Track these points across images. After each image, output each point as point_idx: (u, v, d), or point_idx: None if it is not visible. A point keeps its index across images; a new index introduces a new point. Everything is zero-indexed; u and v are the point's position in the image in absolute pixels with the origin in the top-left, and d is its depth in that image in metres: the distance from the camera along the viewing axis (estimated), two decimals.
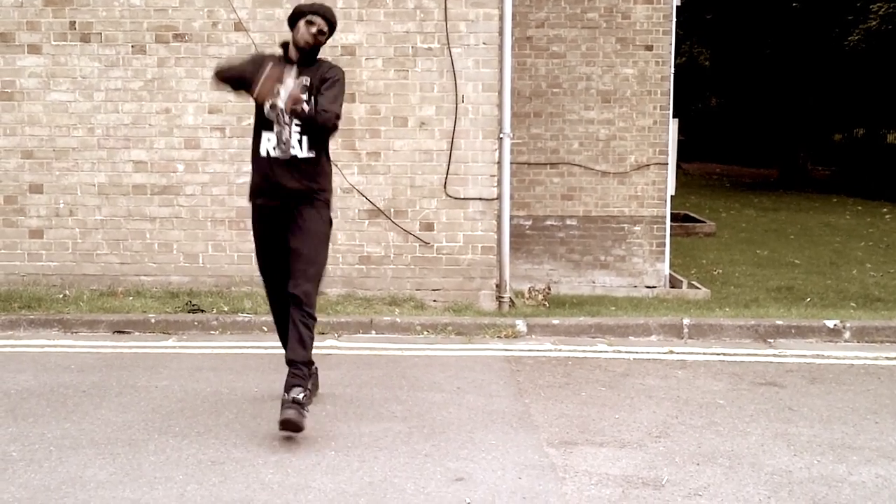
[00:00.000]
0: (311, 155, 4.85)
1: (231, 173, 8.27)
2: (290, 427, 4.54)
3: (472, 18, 8.18)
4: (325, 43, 5.00)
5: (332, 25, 4.99)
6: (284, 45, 5.00)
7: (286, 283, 4.87)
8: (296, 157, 4.81)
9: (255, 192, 5.00)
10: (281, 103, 4.65)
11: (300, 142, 4.81)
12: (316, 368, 5.20)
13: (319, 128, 4.79)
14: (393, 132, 8.27)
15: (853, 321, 7.33)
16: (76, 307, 7.66)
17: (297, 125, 4.78)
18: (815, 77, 26.19)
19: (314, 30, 4.88)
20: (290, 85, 4.64)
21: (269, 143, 4.84)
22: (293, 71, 4.79)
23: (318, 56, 5.00)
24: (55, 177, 8.33)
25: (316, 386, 5.26)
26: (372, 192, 8.28)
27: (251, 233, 7.62)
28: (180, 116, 8.28)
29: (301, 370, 4.74)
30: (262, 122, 4.86)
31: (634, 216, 11.58)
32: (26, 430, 4.74)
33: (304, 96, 4.72)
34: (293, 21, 4.95)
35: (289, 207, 4.87)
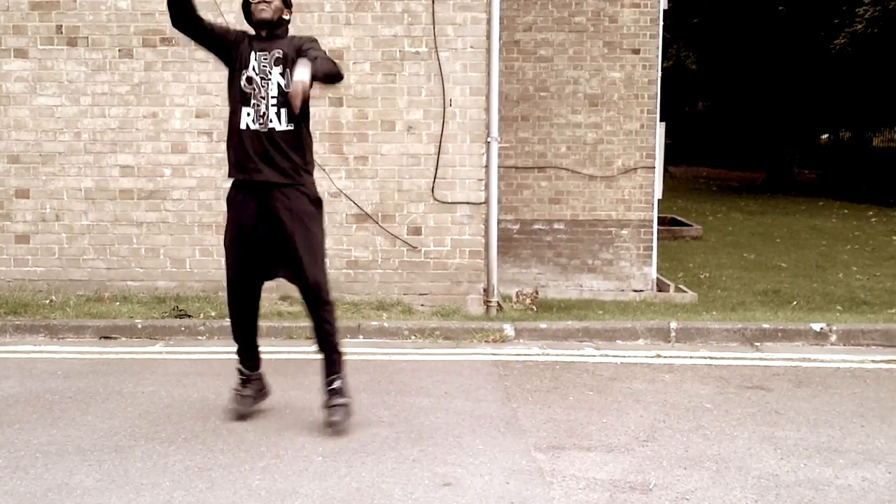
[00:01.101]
0: (290, 127, 4.78)
1: (218, 178, 8.25)
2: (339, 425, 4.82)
3: (459, 22, 8.18)
4: (286, 16, 4.92)
5: None
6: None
7: (260, 273, 4.90)
8: (274, 129, 4.75)
9: (236, 167, 4.88)
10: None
11: (278, 115, 4.76)
12: (262, 374, 5.19)
13: (327, 76, 4.69)
14: (380, 136, 8.27)
15: (839, 324, 7.35)
16: (62, 313, 7.63)
17: (273, 97, 4.74)
18: (802, 81, 26.31)
19: (262, 5, 4.79)
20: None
21: (248, 117, 4.78)
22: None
23: (290, 33, 4.97)
24: (41, 181, 8.30)
25: (263, 392, 5.21)
26: (359, 197, 8.27)
27: None
28: (167, 121, 8.26)
29: (334, 359, 4.89)
30: (240, 97, 4.79)
31: (622, 220, 11.60)
32: (12, 437, 4.72)
33: (278, 69, 4.75)
34: (246, 7, 4.90)
35: (270, 187, 4.78)
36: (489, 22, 8.24)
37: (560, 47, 11.46)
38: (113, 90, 8.24)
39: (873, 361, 6.63)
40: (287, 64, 4.76)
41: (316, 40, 4.91)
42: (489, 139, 8.30)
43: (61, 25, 8.19)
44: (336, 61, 4.83)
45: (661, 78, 11.57)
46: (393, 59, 8.23)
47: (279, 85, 4.75)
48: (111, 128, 8.26)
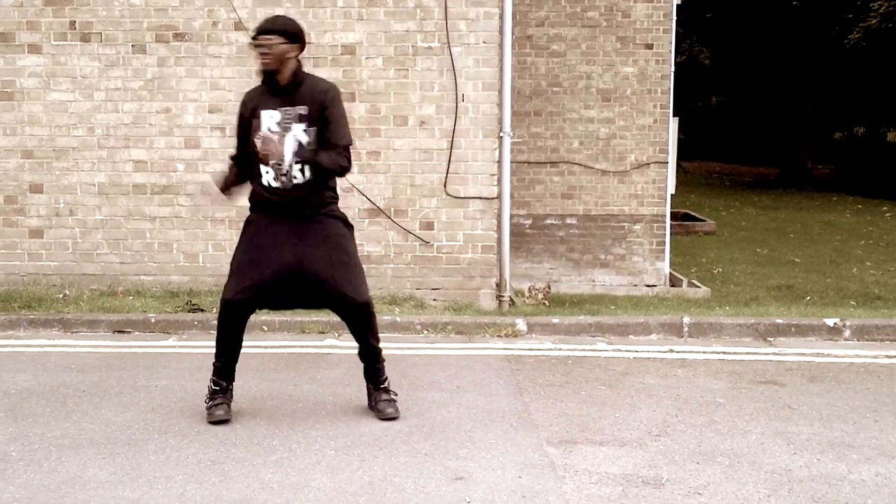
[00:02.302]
0: (312, 177, 4.73)
1: None
2: (390, 418, 4.95)
3: (472, 17, 8.17)
4: (292, 55, 4.70)
5: (284, 34, 4.66)
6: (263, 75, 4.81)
7: (277, 301, 4.94)
8: (298, 184, 4.72)
9: (259, 207, 4.85)
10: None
11: (302, 171, 4.71)
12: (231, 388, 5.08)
13: (330, 172, 4.75)
14: (393, 131, 8.27)
15: (853, 319, 7.32)
16: (76, 307, 7.66)
17: (295, 154, 4.68)
18: (816, 75, 26.20)
19: (262, 51, 4.64)
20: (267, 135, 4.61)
21: (268, 175, 4.73)
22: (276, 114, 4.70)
23: (303, 73, 4.81)
24: (55, 176, 8.33)
25: (231, 394, 5.07)
26: (372, 192, 8.28)
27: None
28: (180, 116, 8.28)
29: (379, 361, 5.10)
30: (257, 157, 4.71)
31: (634, 215, 11.59)
32: (26, 430, 4.74)
33: (301, 125, 4.67)
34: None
35: (300, 219, 4.77)
36: (502, 17, 8.23)
37: (573, 42, 11.44)
38: (126, 85, 8.27)
39: (887, 357, 6.60)
40: (311, 122, 4.68)
41: (336, 91, 4.80)
42: (502, 134, 8.30)
43: (75, 21, 8.21)
44: (342, 163, 4.76)
45: (675, 73, 11.55)
46: (405, 55, 8.23)
47: (300, 143, 4.68)
48: (124, 123, 8.29)
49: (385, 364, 5.13)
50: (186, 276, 8.34)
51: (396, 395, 5.12)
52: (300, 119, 4.69)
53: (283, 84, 4.72)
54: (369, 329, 5.00)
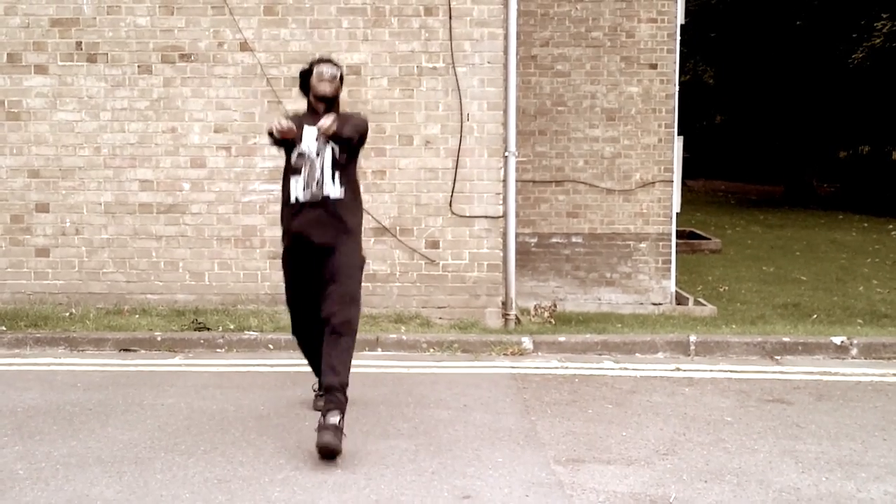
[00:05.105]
0: (341, 196, 4.92)
1: (237, 192, 8.29)
2: (328, 451, 4.54)
3: (476, 38, 8.21)
4: (341, 90, 5.14)
5: (340, 70, 5.15)
6: (309, 103, 5.15)
7: (314, 313, 4.93)
8: (327, 197, 4.88)
9: (286, 239, 5.10)
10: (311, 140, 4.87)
11: (333, 177, 4.90)
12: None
13: (348, 139, 4.88)
14: (398, 150, 8.29)
15: (860, 338, 7.31)
16: (82, 325, 7.67)
17: (328, 166, 4.88)
18: (820, 94, 26.21)
19: (327, 76, 5.03)
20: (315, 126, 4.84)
21: (296, 186, 4.93)
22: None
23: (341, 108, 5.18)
24: (61, 196, 8.36)
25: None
26: (378, 211, 8.29)
27: (257, 251, 7.69)
28: (186, 136, 8.31)
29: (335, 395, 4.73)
30: (290, 170, 4.98)
31: (640, 233, 11.57)
32: (33, 449, 4.74)
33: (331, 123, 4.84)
34: (307, 76, 5.10)
35: (320, 252, 4.93)
36: (506, 37, 8.25)
37: (577, 62, 11.46)
38: (132, 105, 8.30)
39: (895, 375, 6.58)
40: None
41: (363, 117, 5.15)
42: (507, 153, 8.31)
43: (81, 42, 8.26)
44: (361, 124, 5.02)
45: (679, 92, 11.56)
46: (410, 75, 8.25)
47: (333, 155, 4.92)
48: (130, 143, 8.32)
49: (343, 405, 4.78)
50: (192, 294, 8.34)
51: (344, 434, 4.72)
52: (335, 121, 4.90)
53: (325, 110, 5.01)
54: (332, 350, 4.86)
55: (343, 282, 4.86)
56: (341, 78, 5.14)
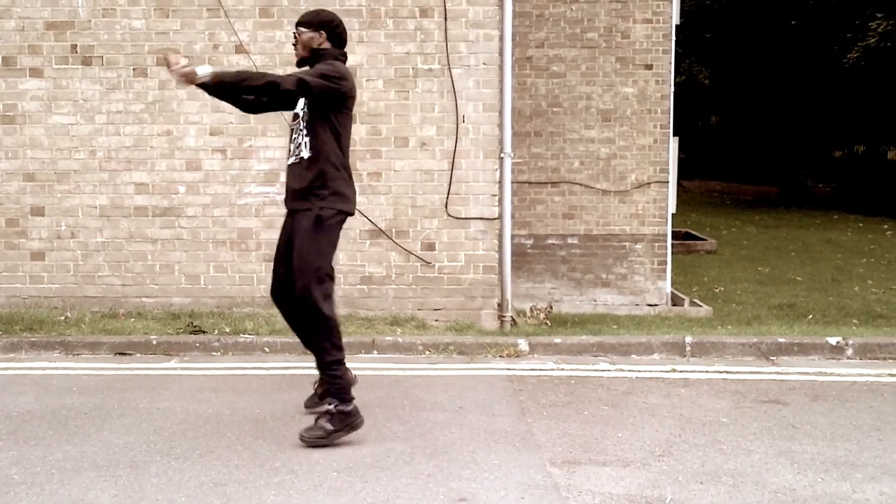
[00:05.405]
0: (310, 154, 4.94)
1: (232, 195, 8.29)
2: (302, 442, 4.83)
3: (472, 39, 8.21)
4: (316, 42, 5.04)
5: (305, 24, 5.04)
6: None
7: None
8: (302, 158, 4.95)
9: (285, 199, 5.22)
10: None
11: (304, 143, 4.97)
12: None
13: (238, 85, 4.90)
14: (394, 152, 8.29)
15: (856, 338, 7.32)
16: (78, 329, 7.66)
17: (305, 129, 4.96)
18: (815, 94, 26.25)
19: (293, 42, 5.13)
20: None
21: (288, 152, 5.11)
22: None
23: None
24: (57, 199, 8.35)
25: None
26: (373, 213, 8.29)
27: (252, 253, 7.69)
28: (181, 138, 8.30)
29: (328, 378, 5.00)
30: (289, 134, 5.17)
31: (636, 234, 11.59)
32: (28, 453, 4.73)
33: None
34: None
35: (293, 211, 5.06)
36: (501, 39, 8.25)
37: (573, 63, 11.48)
38: (127, 108, 8.29)
39: (890, 375, 6.59)
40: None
41: (328, 64, 4.96)
42: (502, 155, 8.31)
43: (76, 45, 8.25)
44: (278, 78, 4.82)
45: (674, 93, 11.58)
46: (406, 76, 8.26)
47: (300, 115, 5.02)
48: (126, 146, 8.31)
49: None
50: (188, 297, 8.34)
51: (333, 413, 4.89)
52: None
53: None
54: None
55: (295, 247, 4.96)
56: (297, 38, 5.05)
